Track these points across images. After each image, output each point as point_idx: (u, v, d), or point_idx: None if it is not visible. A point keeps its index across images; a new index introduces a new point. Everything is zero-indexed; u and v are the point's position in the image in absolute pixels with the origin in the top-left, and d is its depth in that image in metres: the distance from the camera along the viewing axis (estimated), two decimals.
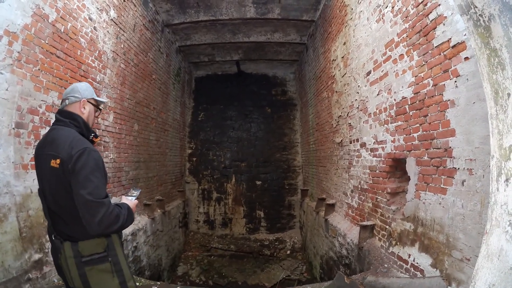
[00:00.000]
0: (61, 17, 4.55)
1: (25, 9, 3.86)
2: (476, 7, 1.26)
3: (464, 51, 3.01)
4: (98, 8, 5.59)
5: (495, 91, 1.28)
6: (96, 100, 2.57)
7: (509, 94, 1.20)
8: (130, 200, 2.52)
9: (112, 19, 6.15)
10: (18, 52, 3.78)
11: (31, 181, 3.93)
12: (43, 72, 4.24)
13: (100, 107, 2.68)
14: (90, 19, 5.35)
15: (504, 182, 1.28)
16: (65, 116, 2.37)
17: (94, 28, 5.52)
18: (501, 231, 1.28)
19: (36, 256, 3.86)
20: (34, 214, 3.96)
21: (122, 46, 6.72)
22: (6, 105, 3.62)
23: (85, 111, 2.47)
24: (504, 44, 1.18)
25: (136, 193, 2.66)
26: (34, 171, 4.06)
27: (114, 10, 6.20)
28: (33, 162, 4.02)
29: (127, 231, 6.44)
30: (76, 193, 2.05)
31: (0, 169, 3.53)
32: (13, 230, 3.59)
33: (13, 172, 3.69)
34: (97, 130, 5.78)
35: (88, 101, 2.48)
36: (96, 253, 2.17)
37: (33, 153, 4.02)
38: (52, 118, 4.43)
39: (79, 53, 5.10)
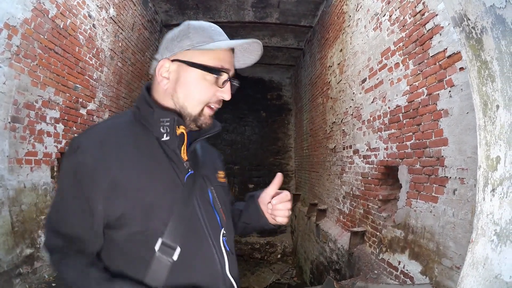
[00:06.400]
0: (61, 13, 4.55)
1: (26, 3, 3.87)
2: (469, 19, 1.29)
3: (460, 61, 3.04)
4: (98, 6, 5.59)
5: (484, 103, 1.31)
6: None
7: (498, 106, 1.23)
8: None
9: (111, 17, 6.16)
10: (17, 46, 3.79)
11: (25, 175, 3.93)
12: (40, 67, 4.24)
13: None
14: (90, 16, 5.36)
15: (491, 192, 1.30)
16: None
17: (93, 25, 5.53)
18: (487, 240, 1.30)
19: (28, 251, 3.84)
20: (26, 209, 3.94)
21: (120, 44, 6.72)
22: (3, 98, 3.62)
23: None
24: (495, 57, 1.20)
25: None
26: (28, 166, 4.16)
27: (113, 8, 6.21)
28: (28, 157, 4.08)
29: None
30: None
31: None
32: (5, 224, 3.57)
33: (7, 166, 3.68)
34: None
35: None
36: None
37: (29, 148, 4.08)
38: (48, 114, 4.43)
39: (77, 50, 5.10)
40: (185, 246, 1.06)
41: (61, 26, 4.61)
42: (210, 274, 1.12)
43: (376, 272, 4.41)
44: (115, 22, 6.35)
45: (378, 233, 4.74)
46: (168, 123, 1.13)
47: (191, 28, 1.15)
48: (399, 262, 4.01)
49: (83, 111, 5.43)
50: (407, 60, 4.01)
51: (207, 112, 1.18)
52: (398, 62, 4.25)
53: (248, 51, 1.28)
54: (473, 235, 1.43)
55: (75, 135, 1.14)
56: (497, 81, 1.21)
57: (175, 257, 1.04)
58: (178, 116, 1.14)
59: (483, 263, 1.30)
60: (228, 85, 1.19)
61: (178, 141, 1.15)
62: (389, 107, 4.50)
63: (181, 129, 1.15)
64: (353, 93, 5.92)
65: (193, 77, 1.14)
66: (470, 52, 1.36)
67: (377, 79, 4.86)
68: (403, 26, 4.09)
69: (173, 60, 1.13)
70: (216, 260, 1.13)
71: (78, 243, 1.06)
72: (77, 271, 1.04)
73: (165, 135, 1.13)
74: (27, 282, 3.69)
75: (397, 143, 4.27)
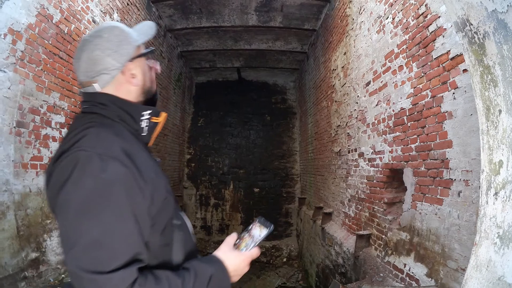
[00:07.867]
0: (65, 18, 4.58)
1: (30, 8, 3.89)
2: (472, 24, 1.28)
3: (463, 63, 3.03)
4: (102, 11, 5.62)
5: (486, 108, 1.30)
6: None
7: (500, 111, 1.23)
8: (239, 252, 1.32)
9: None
10: (22, 51, 3.81)
11: (30, 180, 3.96)
12: (45, 72, 4.27)
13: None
14: (94, 21, 5.39)
15: (494, 195, 1.31)
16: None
17: None
18: (490, 242, 1.30)
19: (33, 255, 3.87)
20: (32, 213, 3.97)
21: None
22: (8, 103, 3.64)
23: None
24: (497, 62, 1.20)
25: (263, 232, 1.31)
26: (34, 170, 4.18)
27: (117, 13, 6.24)
28: (34, 162, 4.10)
29: None
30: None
31: (0, 167, 3.54)
32: (11, 228, 3.60)
33: (13, 170, 3.71)
34: None
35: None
36: None
37: (34, 153, 4.10)
38: (53, 119, 4.46)
39: None
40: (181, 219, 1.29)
41: (66, 31, 4.64)
42: (191, 236, 1.33)
43: (381, 275, 4.39)
44: None
45: (383, 236, 4.72)
46: (148, 116, 1.27)
47: (119, 30, 1.32)
48: (405, 265, 3.99)
49: None
50: (411, 63, 4.00)
51: (153, 76, 1.42)
52: (401, 65, 4.24)
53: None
54: (477, 238, 1.44)
55: (80, 150, 1.01)
56: (500, 86, 1.21)
57: (184, 230, 1.26)
58: (154, 107, 1.33)
59: (486, 266, 1.30)
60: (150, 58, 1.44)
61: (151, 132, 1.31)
62: (393, 110, 4.49)
63: (158, 119, 1.31)
64: (358, 96, 5.91)
65: (144, 64, 1.38)
66: (473, 57, 1.36)
67: (381, 82, 4.86)
68: (406, 29, 4.09)
69: (131, 60, 1.30)
70: (190, 224, 1.36)
71: (142, 260, 1.02)
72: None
73: (144, 129, 1.26)
74: (32, 285, 3.71)
75: (402, 146, 4.26)
